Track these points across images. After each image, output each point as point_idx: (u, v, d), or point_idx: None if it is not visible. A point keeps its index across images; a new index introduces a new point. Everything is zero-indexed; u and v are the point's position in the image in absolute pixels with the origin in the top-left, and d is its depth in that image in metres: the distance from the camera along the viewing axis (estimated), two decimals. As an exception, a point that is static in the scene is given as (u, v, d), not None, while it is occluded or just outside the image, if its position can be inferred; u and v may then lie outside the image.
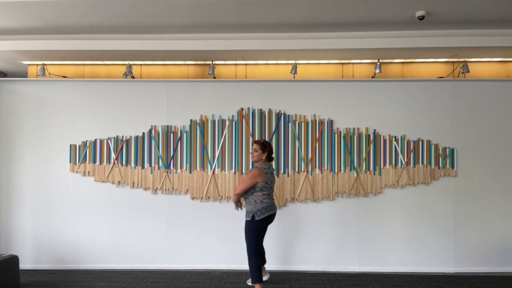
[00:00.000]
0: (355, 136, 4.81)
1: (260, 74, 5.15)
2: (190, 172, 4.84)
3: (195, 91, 4.91)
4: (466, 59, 4.90)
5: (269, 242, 4.32)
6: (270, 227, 3.99)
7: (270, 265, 4.44)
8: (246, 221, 3.85)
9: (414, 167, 4.79)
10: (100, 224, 4.86)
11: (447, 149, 4.79)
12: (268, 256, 4.42)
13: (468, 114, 4.82)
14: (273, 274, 4.43)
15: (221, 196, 4.81)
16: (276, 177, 4.71)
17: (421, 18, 3.97)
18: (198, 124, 4.87)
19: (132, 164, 4.87)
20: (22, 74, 5.50)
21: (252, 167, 4.75)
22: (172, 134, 4.87)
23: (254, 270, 3.75)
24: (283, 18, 4.13)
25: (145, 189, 4.85)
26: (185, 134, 4.87)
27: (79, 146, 4.90)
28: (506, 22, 4.19)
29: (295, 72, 4.89)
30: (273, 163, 4.71)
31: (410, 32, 4.43)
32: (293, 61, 4.96)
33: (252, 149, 3.96)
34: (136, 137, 4.89)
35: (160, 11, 3.97)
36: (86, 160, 4.89)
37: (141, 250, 4.83)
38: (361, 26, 4.32)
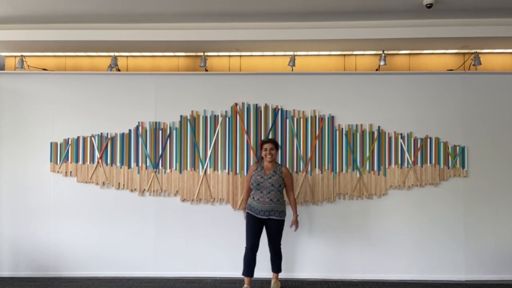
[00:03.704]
0: (358, 134, 4.79)
1: (256, 67, 5.14)
2: (180, 172, 4.81)
3: (185, 85, 4.88)
4: (478, 50, 4.89)
5: (266, 247, 4.29)
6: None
7: (267, 272, 4.41)
8: (280, 221, 4.19)
9: (422, 166, 4.76)
10: (83, 228, 4.82)
11: (457, 147, 4.76)
12: (264, 262, 4.38)
13: (480, 110, 4.79)
14: (270, 282, 4.40)
15: (214, 198, 4.78)
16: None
17: (429, 6, 3.96)
18: (188, 121, 4.84)
19: (118, 164, 4.84)
20: (-1, 66, 5.49)
21: (248, 167, 4.73)
22: (160, 131, 4.84)
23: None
24: (280, 6, 4.12)
25: (132, 190, 4.83)
26: (174, 131, 4.84)
27: (60, 144, 4.87)
28: (520, 10, 4.19)
29: (293, 65, 4.88)
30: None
31: (418, 21, 4.42)
32: (291, 53, 4.95)
33: (266, 149, 4.16)
34: (122, 135, 4.86)
35: (147, -2, 3.96)
36: (68, 159, 4.86)
37: (127, 256, 4.80)
38: (365, 15, 4.32)
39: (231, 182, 4.78)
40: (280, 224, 4.20)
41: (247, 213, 4.23)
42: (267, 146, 4.20)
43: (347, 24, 4.47)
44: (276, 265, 4.30)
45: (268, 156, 4.17)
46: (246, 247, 4.19)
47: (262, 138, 4.75)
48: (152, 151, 4.84)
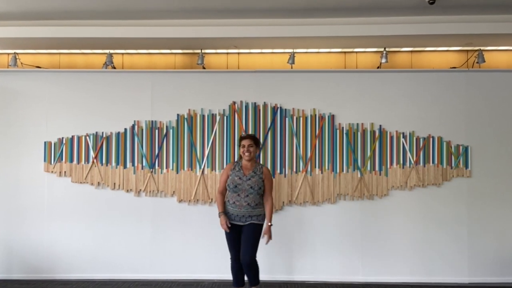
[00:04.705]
0: (358, 133, 4.77)
1: (254, 64, 5.13)
2: (177, 172, 4.79)
3: (182, 83, 4.86)
4: (482, 48, 4.88)
5: (263, 249, 4.25)
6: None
7: (265, 274, 4.39)
8: (259, 225, 3.73)
9: (424, 166, 4.74)
10: (77, 229, 4.79)
11: (461, 147, 4.74)
12: (262, 265, 4.32)
13: (484, 108, 4.76)
14: (269, 285, 4.39)
15: (211, 199, 4.76)
16: (272, 177, 4.65)
17: (432, 2, 3.94)
18: (185, 120, 4.81)
19: (113, 164, 4.82)
20: (-9, 64, 5.46)
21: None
22: (157, 131, 4.82)
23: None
24: (279, 2, 4.11)
25: (127, 191, 4.80)
26: (171, 131, 4.82)
27: (54, 144, 4.84)
28: (525, 6, 4.17)
29: (293, 62, 4.87)
30: (269, 162, 4.75)
31: (420, 17, 4.41)
32: (290, 50, 4.95)
33: (244, 146, 3.77)
34: (118, 134, 4.83)
35: (143, -6, 3.95)
36: (62, 159, 4.83)
37: (122, 258, 4.77)
38: (366, 11, 4.31)
39: (229, 182, 4.75)
40: (258, 228, 3.72)
41: None
42: (245, 142, 3.78)
43: (347, 21, 4.46)
44: (252, 278, 3.76)
45: (246, 154, 3.76)
46: (230, 259, 3.84)
47: (261, 137, 4.73)
48: (148, 150, 4.81)
